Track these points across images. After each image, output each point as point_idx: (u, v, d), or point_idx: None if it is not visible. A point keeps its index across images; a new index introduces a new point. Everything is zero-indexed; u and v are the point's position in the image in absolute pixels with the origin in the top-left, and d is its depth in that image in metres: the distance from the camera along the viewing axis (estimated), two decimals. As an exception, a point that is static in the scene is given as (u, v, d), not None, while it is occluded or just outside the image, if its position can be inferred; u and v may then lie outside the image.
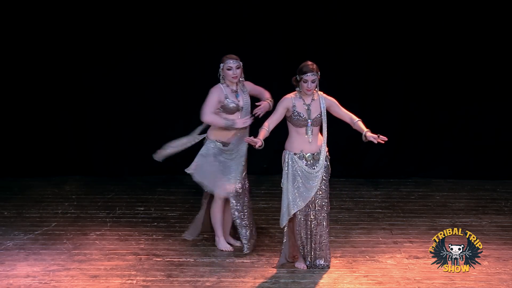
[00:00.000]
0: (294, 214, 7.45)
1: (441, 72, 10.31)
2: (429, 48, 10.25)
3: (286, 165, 7.45)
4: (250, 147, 7.68)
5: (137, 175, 10.44)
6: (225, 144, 7.81)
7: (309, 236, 7.49)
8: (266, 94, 7.89)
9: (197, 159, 7.85)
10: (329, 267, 7.56)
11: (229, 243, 8.04)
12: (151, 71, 10.30)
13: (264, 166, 10.32)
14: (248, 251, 7.90)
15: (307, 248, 7.52)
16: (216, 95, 7.71)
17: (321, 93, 7.49)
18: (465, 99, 10.37)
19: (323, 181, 7.46)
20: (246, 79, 7.91)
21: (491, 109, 10.38)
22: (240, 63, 7.73)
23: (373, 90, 10.38)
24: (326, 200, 7.51)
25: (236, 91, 7.78)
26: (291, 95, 7.45)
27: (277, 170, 7.82)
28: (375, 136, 7.34)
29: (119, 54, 10.24)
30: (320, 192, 7.47)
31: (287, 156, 7.46)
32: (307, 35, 10.20)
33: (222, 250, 7.95)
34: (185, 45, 10.23)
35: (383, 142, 7.35)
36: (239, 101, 7.76)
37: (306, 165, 7.40)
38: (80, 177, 10.42)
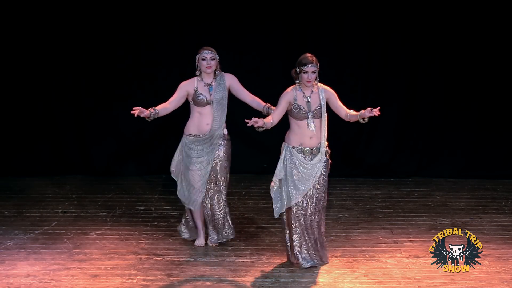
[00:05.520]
0: (290, 207, 7.44)
1: (441, 71, 10.31)
2: (430, 46, 10.24)
3: (284, 157, 7.44)
4: (235, 146, 7.80)
5: (137, 175, 10.45)
6: (197, 137, 7.80)
7: (304, 231, 7.48)
8: (253, 99, 7.81)
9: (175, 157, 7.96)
10: (321, 266, 7.56)
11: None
12: (150, 71, 10.30)
13: (264, 166, 10.32)
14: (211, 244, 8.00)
15: (301, 242, 7.50)
16: (183, 89, 7.77)
17: (321, 85, 7.48)
18: (465, 99, 10.37)
19: (322, 175, 7.45)
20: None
21: (491, 108, 10.38)
22: (215, 55, 7.72)
23: (374, 89, 10.38)
24: (323, 195, 7.49)
25: (210, 85, 7.77)
26: (291, 88, 7.42)
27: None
28: (368, 109, 7.24)
29: (118, 53, 10.25)
30: (318, 186, 7.44)
31: (285, 149, 7.45)
32: (307, 32, 10.19)
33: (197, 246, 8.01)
34: (185, 45, 10.22)
35: (378, 113, 7.24)
36: (210, 94, 7.74)
37: (304, 158, 7.40)
38: (81, 176, 10.43)
